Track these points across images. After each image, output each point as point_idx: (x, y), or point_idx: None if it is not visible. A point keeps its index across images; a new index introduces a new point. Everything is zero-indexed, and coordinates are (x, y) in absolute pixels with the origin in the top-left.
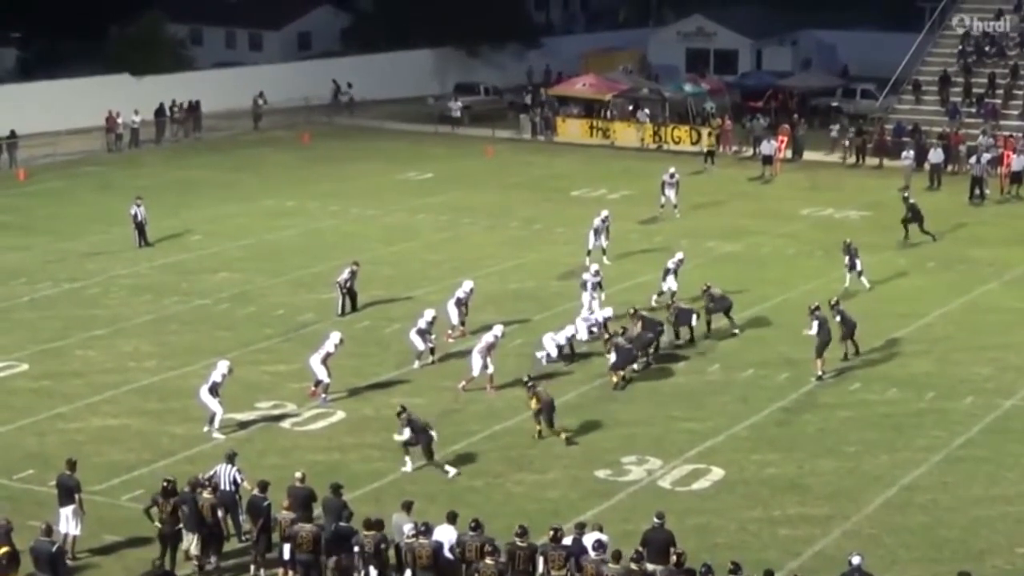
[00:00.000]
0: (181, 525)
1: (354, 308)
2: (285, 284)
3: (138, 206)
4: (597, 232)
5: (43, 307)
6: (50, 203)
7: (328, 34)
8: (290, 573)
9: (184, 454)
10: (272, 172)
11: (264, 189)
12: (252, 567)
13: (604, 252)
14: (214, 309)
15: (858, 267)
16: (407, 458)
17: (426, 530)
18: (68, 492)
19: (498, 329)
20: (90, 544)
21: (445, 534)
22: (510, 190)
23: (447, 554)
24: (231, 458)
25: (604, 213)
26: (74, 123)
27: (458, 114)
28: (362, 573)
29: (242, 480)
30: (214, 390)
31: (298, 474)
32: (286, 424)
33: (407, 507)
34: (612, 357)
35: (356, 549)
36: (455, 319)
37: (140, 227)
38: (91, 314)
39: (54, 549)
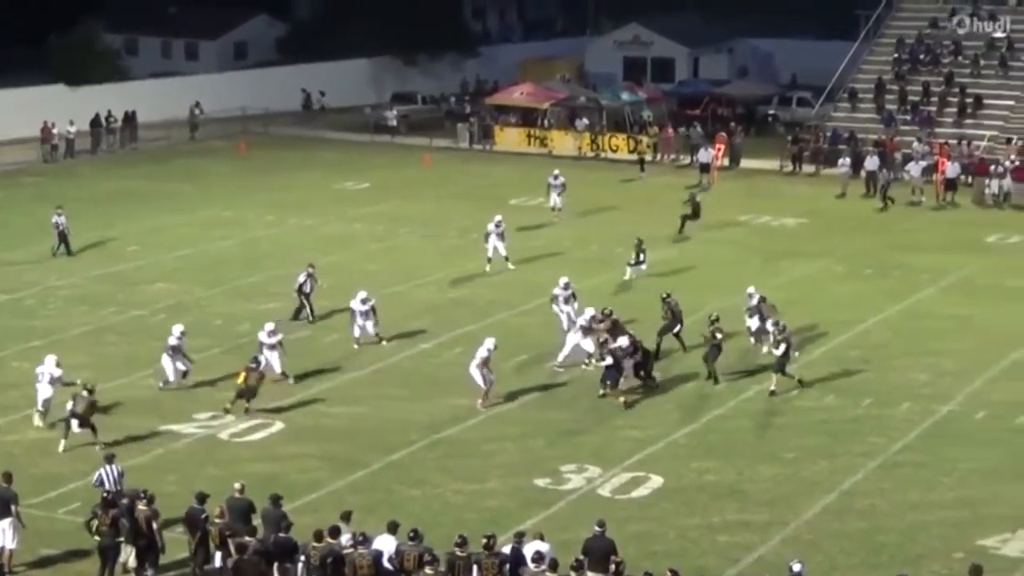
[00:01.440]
0: (121, 538)
1: (296, 316)
2: (223, 294)
3: (59, 215)
4: (488, 236)
5: None
6: None
7: (264, 43)
8: None
9: (130, 463)
10: (209, 182)
11: (201, 199)
12: None
13: (507, 258)
14: (151, 320)
15: (642, 261)
16: (64, 440)
17: (364, 540)
18: (4, 504)
19: (490, 342)
20: (26, 558)
21: (385, 544)
22: (447, 199)
23: (386, 564)
24: (110, 459)
25: (498, 218)
26: (9, 134)
27: (395, 123)
28: None
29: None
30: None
31: (237, 485)
32: (225, 435)
33: (345, 517)
34: (607, 362)
35: (302, 560)
36: (356, 332)
37: (63, 236)
38: (28, 325)
39: None
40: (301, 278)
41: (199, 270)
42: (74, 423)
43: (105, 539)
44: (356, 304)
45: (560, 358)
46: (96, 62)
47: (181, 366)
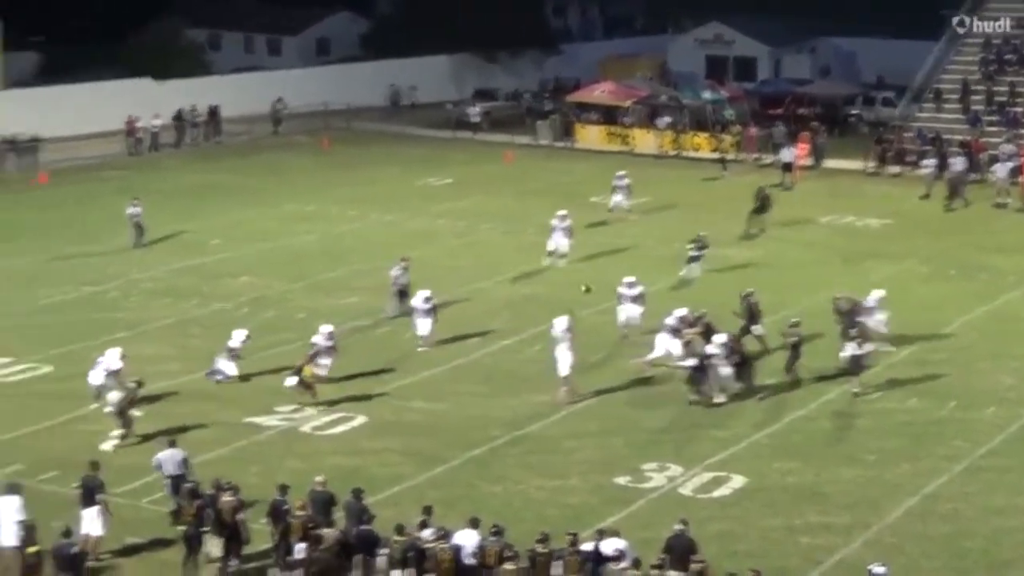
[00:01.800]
0: (206, 528)
1: (401, 303)
2: (305, 289)
3: (135, 206)
4: (552, 231)
5: (64, 310)
6: (71, 206)
7: (347, 39)
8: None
9: (203, 457)
10: (292, 177)
11: (284, 194)
12: (275, 570)
13: (563, 255)
14: (234, 313)
15: (699, 258)
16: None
17: (445, 535)
18: (90, 493)
19: (561, 322)
20: (112, 546)
21: (466, 539)
22: (528, 196)
23: (468, 559)
24: (172, 443)
25: (562, 212)
26: (95, 127)
27: (477, 119)
28: None
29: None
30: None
31: (319, 478)
32: (307, 428)
33: (426, 511)
34: (691, 362)
35: (384, 553)
36: (422, 330)
37: (138, 227)
38: (112, 317)
39: (74, 551)
40: (395, 272)
41: (282, 264)
42: (111, 404)
43: (189, 528)
44: (418, 302)
45: (649, 358)
46: (178, 58)
47: (233, 369)
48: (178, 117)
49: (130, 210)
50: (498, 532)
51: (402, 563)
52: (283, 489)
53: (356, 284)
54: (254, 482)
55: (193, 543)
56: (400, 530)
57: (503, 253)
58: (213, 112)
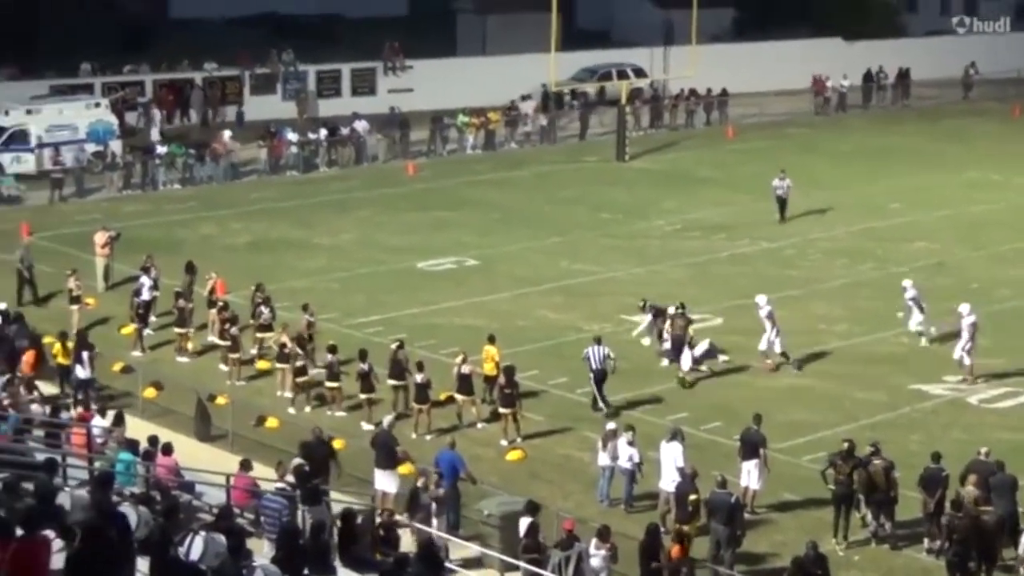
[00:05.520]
0: (855, 487)
1: None
2: (983, 258)
3: (781, 179)
4: None
5: (740, 263)
6: (754, 161)
7: None
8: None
9: (867, 420)
10: (978, 143)
11: (968, 160)
12: (926, 540)
13: None
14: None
15: None
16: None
17: None
18: (752, 447)
19: None
20: (768, 500)
21: None
22: None
23: None
24: (599, 340)
25: None
26: (782, 84)
27: None
28: None
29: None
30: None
31: (983, 449)
32: (973, 400)
33: None
34: None
35: None
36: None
37: (781, 201)
38: (786, 274)
39: (732, 500)
40: None
41: (960, 231)
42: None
43: (840, 488)
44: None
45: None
46: (871, 17)
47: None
48: (867, 78)
49: (775, 183)
50: None
51: None
52: (936, 457)
53: None
54: (914, 449)
55: (841, 503)
56: None
57: None
58: (903, 75)
